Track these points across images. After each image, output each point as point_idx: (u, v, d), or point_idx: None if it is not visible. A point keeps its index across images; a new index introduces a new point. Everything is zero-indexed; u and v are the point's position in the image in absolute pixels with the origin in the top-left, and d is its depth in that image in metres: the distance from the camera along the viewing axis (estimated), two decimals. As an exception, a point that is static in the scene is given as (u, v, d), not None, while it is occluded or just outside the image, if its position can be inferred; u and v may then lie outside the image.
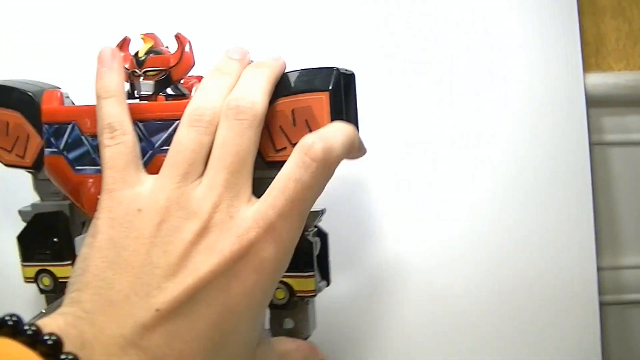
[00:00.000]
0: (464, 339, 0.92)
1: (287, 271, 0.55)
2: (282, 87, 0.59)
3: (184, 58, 0.63)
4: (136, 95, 0.63)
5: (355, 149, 0.58)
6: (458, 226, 0.92)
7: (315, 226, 0.66)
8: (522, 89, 0.94)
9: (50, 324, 0.44)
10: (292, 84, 0.59)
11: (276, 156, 0.59)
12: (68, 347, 0.42)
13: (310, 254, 0.63)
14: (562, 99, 0.94)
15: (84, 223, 0.72)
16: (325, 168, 0.53)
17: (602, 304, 1.00)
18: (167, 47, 0.66)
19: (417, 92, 0.93)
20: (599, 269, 0.97)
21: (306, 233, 0.63)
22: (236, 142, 0.54)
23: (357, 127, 0.62)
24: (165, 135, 0.60)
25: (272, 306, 0.63)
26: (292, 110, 0.58)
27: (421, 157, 0.92)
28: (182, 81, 0.65)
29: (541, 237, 0.93)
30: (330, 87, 0.57)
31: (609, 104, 0.99)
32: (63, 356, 0.41)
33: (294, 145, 0.55)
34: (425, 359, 0.91)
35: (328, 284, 0.69)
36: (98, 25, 0.91)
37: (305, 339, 0.65)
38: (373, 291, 0.91)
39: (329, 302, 0.87)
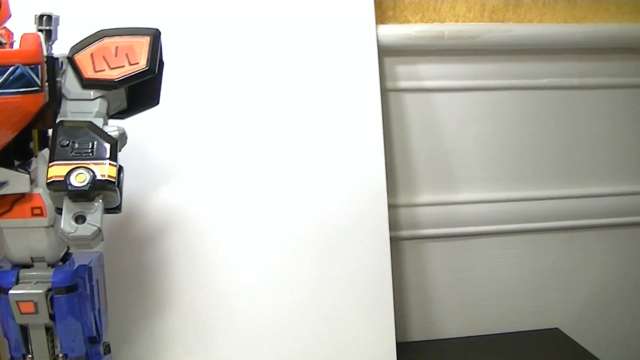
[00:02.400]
0: (266, 274, 1.01)
1: (90, 159, 0.67)
2: (106, 32, 0.73)
3: (1, 10, 0.69)
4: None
5: None
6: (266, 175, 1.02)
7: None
8: (317, 41, 1.04)
9: None
10: (116, 31, 0.74)
11: (94, 75, 0.72)
12: None
13: (116, 148, 0.70)
14: (355, 49, 1.05)
15: None
16: None
17: (399, 239, 1.15)
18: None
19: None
20: (396, 206, 1.11)
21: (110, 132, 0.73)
22: None
23: (161, 74, 0.76)
24: (0, 79, 0.66)
25: (72, 194, 0.68)
26: (116, 47, 0.72)
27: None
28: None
29: (337, 179, 1.03)
30: (153, 35, 0.73)
31: (402, 53, 1.12)
32: None
33: (112, 68, 0.71)
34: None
35: (119, 210, 0.76)
36: None
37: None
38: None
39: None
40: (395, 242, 1.14)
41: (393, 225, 1.11)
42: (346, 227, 1.03)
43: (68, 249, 0.78)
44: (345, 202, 1.04)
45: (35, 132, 0.77)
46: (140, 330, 0.98)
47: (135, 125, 0.79)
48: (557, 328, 1.25)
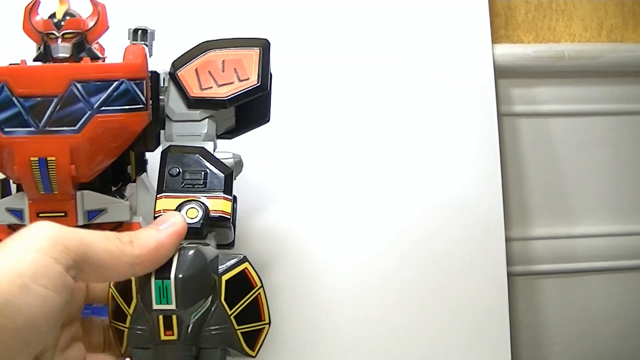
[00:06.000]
0: (380, 309, 0.96)
1: (202, 192, 0.62)
2: (210, 44, 0.68)
3: (100, 21, 0.67)
4: (52, 58, 0.66)
5: None
6: (370, 199, 0.97)
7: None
8: (432, 60, 0.99)
9: None
10: (221, 42, 0.69)
11: (201, 93, 0.67)
12: None
13: (231, 179, 0.65)
14: (470, 70, 1.00)
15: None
16: None
17: (511, 275, 1.07)
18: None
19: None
20: (508, 240, 1.03)
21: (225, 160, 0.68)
22: None
23: (271, 89, 0.71)
24: (104, 95, 0.63)
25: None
26: (222, 61, 0.68)
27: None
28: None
29: (450, 209, 0.98)
30: (262, 46, 0.69)
31: (518, 74, 1.06)
32: None
33: (220, 86, 0.66)
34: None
35: (232, 246, 0.71)
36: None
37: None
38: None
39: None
40: (508, 278, 1.06)
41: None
42: (459, 262, 0.98)
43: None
44: (459, 235, 0.98)
45: (132, 155, 0.72)
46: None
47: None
48: (678, 377, 1.16)
